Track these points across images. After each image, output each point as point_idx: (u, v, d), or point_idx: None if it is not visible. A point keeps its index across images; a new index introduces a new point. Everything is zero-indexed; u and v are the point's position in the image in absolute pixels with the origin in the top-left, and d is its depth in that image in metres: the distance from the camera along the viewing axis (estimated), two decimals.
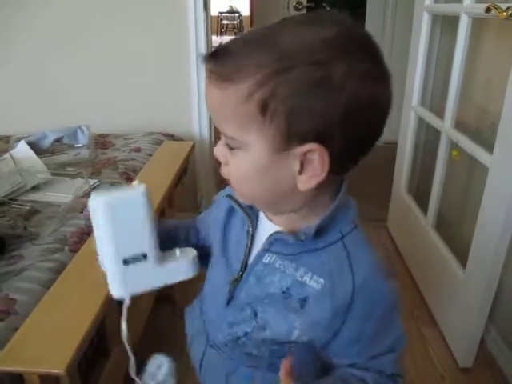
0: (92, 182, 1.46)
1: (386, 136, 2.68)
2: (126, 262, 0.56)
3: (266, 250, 0.60)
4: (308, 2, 3.46)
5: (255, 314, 0.61)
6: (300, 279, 0.57)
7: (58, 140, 1.71)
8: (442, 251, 1.76)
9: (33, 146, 1.66)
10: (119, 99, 2.24)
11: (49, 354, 0.77)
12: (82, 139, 1.71)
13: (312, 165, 0.50)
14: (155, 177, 1.46)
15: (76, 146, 1.71)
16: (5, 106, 2.24)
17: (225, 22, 9.15)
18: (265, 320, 0.60)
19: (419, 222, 2.00)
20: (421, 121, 2.13)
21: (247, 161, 0.52)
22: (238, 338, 0.63)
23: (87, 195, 1.44)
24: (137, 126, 2.13)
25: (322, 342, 0.58)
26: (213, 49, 0.52)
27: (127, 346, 0.55)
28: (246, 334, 0.62)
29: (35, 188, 1.44)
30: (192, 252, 0.61)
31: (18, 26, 2.13)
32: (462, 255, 1.64)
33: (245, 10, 8.90)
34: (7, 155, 1.59)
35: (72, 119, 1.92)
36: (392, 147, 2.53)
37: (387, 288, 0.58)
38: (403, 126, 2.25)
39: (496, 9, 1.32)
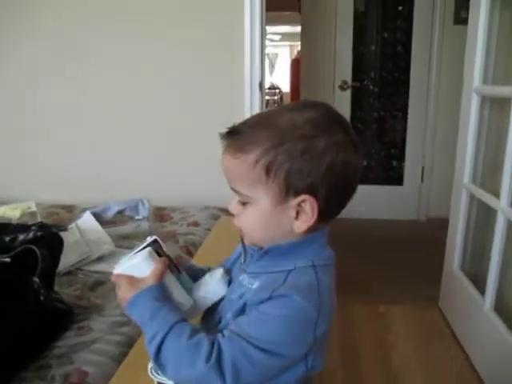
0: None
1: (431, 212, 2.67)
2: None
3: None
4: (353, 82, 3.62)
5: None
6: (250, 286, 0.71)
7: (120, 212, 1.79)
8: (504, 335, 1.67)
9: (96, 216, 1.74)
10: (172, 172, 2.35)
11: None
12: (143, 211, 1.79)
13: (305, 212, 0.67)
14: (217, 253, 1.48)
15: (136, 218, 1.78)
16: (67, 176, 2.38)
17: (266, 97, 9.58)
18: None
19: (475, 302, 1.93)
20: (472, 197, 2.12)
21: (256, 212, 0.69)
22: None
23: None
24: (191, 197, 2.21)
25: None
26: (227, 128, 0.69)
27: None
28: None
29: (100, 259, 1.49)
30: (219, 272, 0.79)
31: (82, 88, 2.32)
32: None
33: (285, 87, 9.30)
34: (73, 225, 1.67)
35: (125, 189, 2.02)
36: (436, 222, 2.50)
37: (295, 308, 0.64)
38: (454, 203, 2.24)
39: None
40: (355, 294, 2.52)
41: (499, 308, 1.81)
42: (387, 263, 2.91)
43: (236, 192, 0.70)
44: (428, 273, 2.59)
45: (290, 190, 0.66)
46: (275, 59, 10.44)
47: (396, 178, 3.81)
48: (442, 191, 3.31)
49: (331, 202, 0.68)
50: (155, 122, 2.32)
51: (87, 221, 1.69)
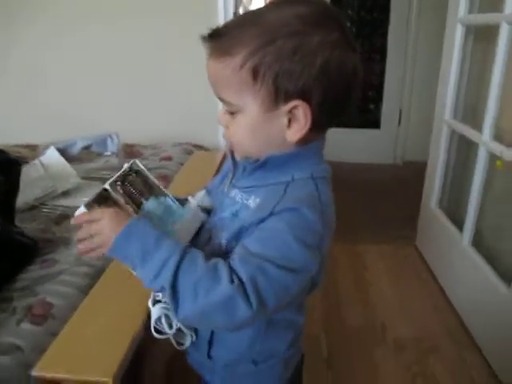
0: None
1: (406, 156, 2.65)
2: None
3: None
4: None
5: None
6: (245, 202, 0.66)
7: (86, 147, 1.68)
8: (481, 268, 1.67)
9: (61, 152, 1.62)
10: (142, 109, 2.23)
11: (94, 361, 0.71)
12: (112, 147, 1.68)
13: (297, 120, 0.60)
14: (191, 185, 1.40)
15: (105, 154, 1.67)
16: (30, 115, 2.23)
17: None
18: None
19: (453, 238, 1.93)
20: (453, 134, 2.08)
21: (244, 121, 0.62)
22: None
23: None
24: (161, 136, 2.10)
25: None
26: (210, 30, 0.61)
27: None
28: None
29: (65, 193, 1.40)
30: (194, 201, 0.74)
31: (52, 38, 2.14)
32: (504, 271, 1.57)
33: None
34: (36, 161, 1.55)
35: (93, 128, 1.91)
36: (412, 166, 2.47)
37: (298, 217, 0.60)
38: (434, 141, 2.20)
39: None
40: (333, 235, 2.51)
41: (477, 243, 1.81)
42: (364, 206, 2.89)
43: (223, 101, 0.63)
44: (405, 215, 2.60)
45: (279, 95, 0.59)
46: (249, 4, 10.05)
47: (373, 122, 3.75)
48: (418, 135, 3.28)
49: (326, 108, 0.61)
50: (124, 56, 2.17)
51: (51, 156, 1.57)
